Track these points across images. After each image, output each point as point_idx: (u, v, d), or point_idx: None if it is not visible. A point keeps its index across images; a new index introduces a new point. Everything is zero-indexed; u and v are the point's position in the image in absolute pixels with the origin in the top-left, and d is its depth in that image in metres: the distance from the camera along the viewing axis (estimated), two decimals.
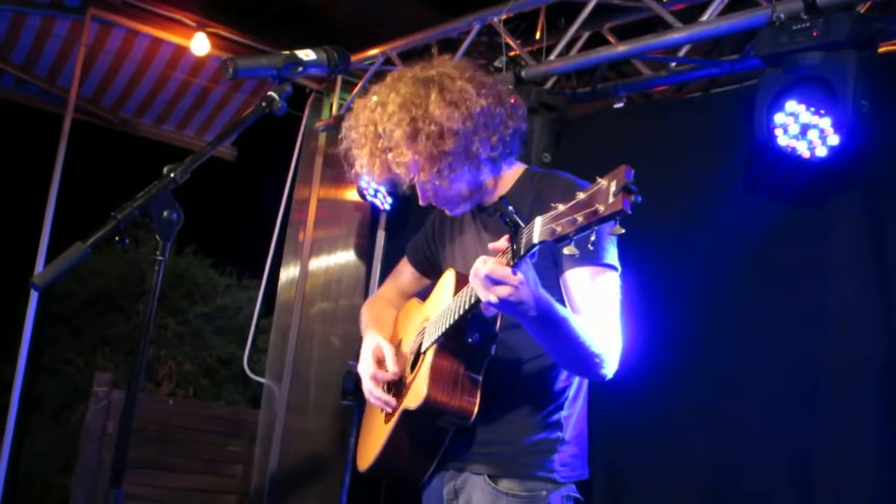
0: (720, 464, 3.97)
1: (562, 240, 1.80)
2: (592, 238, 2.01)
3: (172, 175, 1.72)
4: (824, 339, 3.72)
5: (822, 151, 3.63)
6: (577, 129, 4.88)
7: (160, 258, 1.70)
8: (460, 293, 2.30)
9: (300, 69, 2.04)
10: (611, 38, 4.90)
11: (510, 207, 1.96)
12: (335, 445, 6.06)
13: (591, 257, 2.34)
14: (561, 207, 1.82)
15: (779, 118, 3.68)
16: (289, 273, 6.37)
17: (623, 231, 1.68)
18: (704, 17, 4.20)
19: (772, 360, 3.91)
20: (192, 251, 8.69)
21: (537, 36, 5.18)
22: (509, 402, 2.47)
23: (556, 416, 2.49)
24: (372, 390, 2.63)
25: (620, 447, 4.26)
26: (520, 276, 1.99)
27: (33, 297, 5.58)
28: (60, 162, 5.94)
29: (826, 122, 3.57)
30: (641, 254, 4.43)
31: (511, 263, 1.97)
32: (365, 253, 6.42)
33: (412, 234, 3.10)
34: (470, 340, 2.34)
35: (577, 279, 2.38)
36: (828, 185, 3.80)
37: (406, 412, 2.49)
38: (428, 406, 2.35)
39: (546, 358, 2.44)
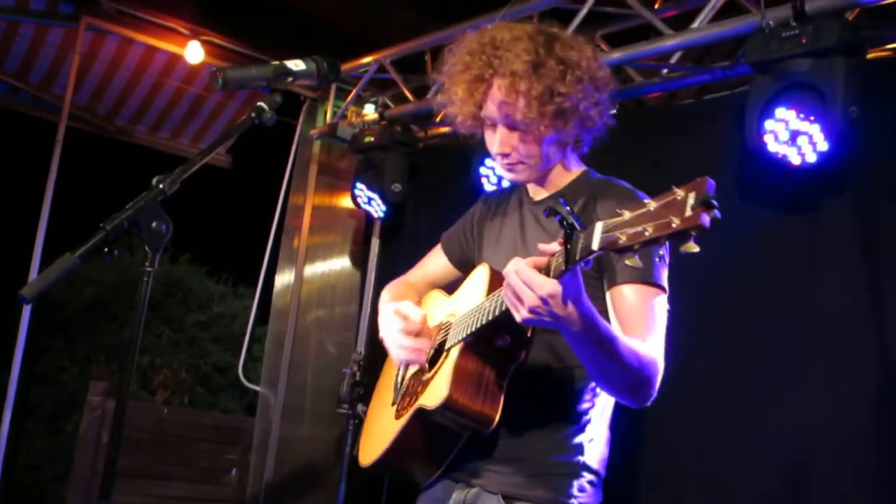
0: (714, 465, 3.98)
1: (625, 251, 1.65)
2: (659, 252, 1.85)
3: (161, 186, 1.72)
4: (816, 343, 3.74)
5: (811, 157, 3.65)
6: None
7: (149, 269, 1.69)
8: (496, 292, 2.11)
9: (290, 79, 2.04)
10: (603, 46, 4.91)
11: (567, 207, 1.79)
12: (331, 453, 6.06)
13: (646, 275, 2.20)
14: (627, 215, 1.65)
15: (769, 125, 3.70)
16: (284, 280, 6.38)
17: (697, 250, 1.53)
18: (695, 25, 4.22)
19: (763, 364, 3.92)
20: (187, 259, 8.69)
21: None
22: (532, 416, 2.29)
23: (578, 438, 2.31)
24: (399, 339, 2.40)
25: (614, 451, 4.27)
26: (559, 286, 1.82)
27: (26, 306, 5.58)
28: (55, 169, 5.95)
29: (816, 129, 3.59)
30: None
31: (563, 268, 1.79)
32: (360, 260, 6.43)
33: (406, 241, 3.09)
34: (500, 344, 2.19)
35: (628, 296, 2.20)
36: (818, 191, 3.82)
37: (421, 410, 2.30)
38: (447, 407, 2.17)
39: (575, 372, 2.29)
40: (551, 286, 1.80)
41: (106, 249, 1.65)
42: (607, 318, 2.14)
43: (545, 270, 1.84)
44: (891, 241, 3.66)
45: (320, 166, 6.47)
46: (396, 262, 5.35)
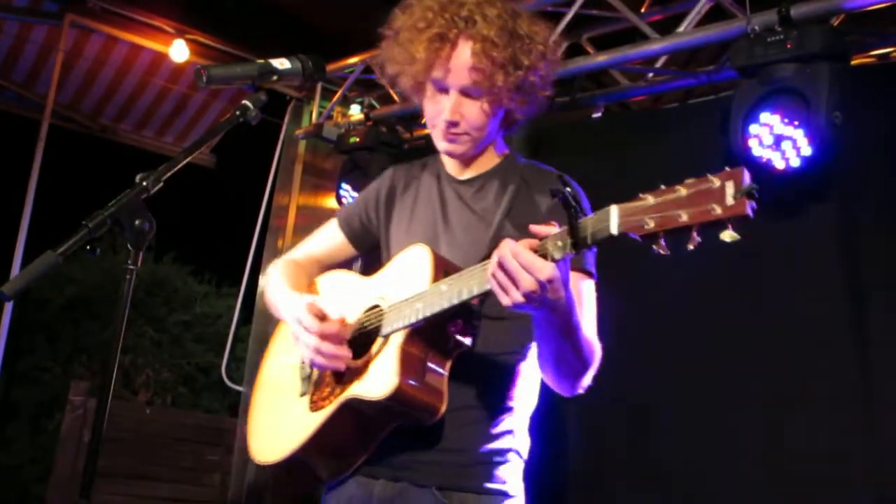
0: (693, 463, 3.99)
1: (651, 237, 1.59)
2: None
3: (144, 183, 1.71)
4: (797, 346, 3.76)
5: (795, 162, 3.67)
6: (555, 139, 4.90)
7: (132, 267, 1.68)
8: (456, 276, 2.00)
9: (275, 78, 2.03)
10: (589, 49, 4.93)
11: (568, 189, 1.70)
12: None
13: (580, 262, 2.16)
14: (651, 200, 1.60)
15: (753, 129, 3.72)
16: None
17: (739, 237, 1.51)
18: (681, 29, 4.24)
19: (744, 367, 3.93)
20: (171, 259, 8.66)
21: None
22: (465, 404, 2.17)
23: (510, 425, 2.23)
24: (319, 346, 2.15)
25: (598, 450, 4.29)
26: (558, 271, 1.76)
27: (7, 304, 5.54)
28: (37, 168, 5.91)
29: (800, 134, 3.61)
30: (617, 263, 4.47)
31: (571, 252, 1.73)
32: None
33: None
34: (452, 330, 2.07)
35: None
36: (801, 196, 3.84)
37: (355, 401, 2.11)
38: (395, 397, 2.01)
39: (506, 358, 2.22)
40: (551, 270, 1.74)
41: (88, 247, 1.64)
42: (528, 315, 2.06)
43: (539, 254, 1.77)
44: (874, 246, 3.68)
45: (305, 166, 6.45)
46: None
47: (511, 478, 2.21)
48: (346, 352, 2.16)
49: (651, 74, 4.75)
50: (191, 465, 6.73)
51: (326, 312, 2.22)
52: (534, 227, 1.81)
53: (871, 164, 3.71)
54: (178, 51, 5.89)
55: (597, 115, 5.10)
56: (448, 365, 2.10)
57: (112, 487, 6.19)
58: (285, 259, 2.60)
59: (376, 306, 2.23)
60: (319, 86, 6.24)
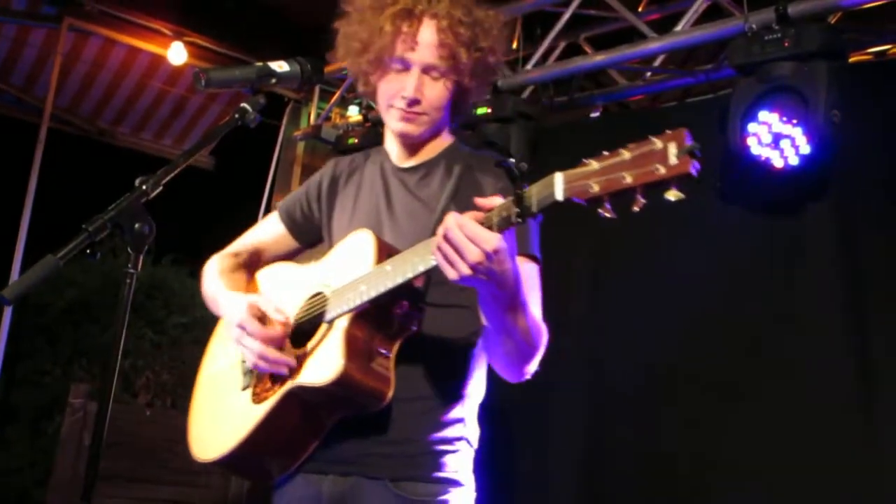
0: (697, 458, 4.00)
1: (596, 201, 1.60)
2: (525, 225, 1.85)
3: (144, 187, 1.71)
4: (798, 344, 3.76)
5: (794, 160, 3.67)
6: (554, 138, 4.90)
7: (132, 271, 1.68)
8: (396, 260, 1.99)
9: (273, 80, 2.03)
10: (587, 48, 4.94)
11: (512, 159, 1.73)
12: None
13: (526, 246, 2.14)
14: (595, 164, 1.61)
15: (752, 127, 3.73)
16: None
17: (683, 196, 1.53)
18: (679, 28, 4.24)
19: (746, 364, 3.94)
20: (169, 261, 8.65)
21: (514, 46, 5.21)
22: (416, 392, 2.14)
23: (461, 413, 2.20)
24: (262, 352, 2.11)
25: (602, 448, 4.30)
26: (504, 241, 1.76)
27: (7, 308, 5.54)
28: (36, 171, 5.91)
29: (798, 132, 3.61)
30: (618, 261, 4.49)
31: (518, 221, 1.73)
32: None
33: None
34: (397, 312, 2.05)
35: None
36: (800, 194, 3.84)
37: (300, 389, 2.07)
38: (341, 382, 1.97)
39: (457, 344, 2.19)
40: (497, 240, 1.74)
41: (88, 251, 1.64)
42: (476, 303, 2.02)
43: (485, 226, 1.77)
44: (872, 244, 3.68)
45: (304, 168, 6.46)
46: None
47: (461, 467, 2.20)
48: (290, 359, 2.11)
49: (649, 74, 4.76)
50: (192, 467, 6.71)
51: (268, 313, 2.18)
52: (478, 200, 1.81)
53: (870, 161, 3.72)
54: (176, 53, 5.89)
55: (595, 114, 5.11)
56: (395, 349, 2.08)
57: (112, 490, 6.18)
58: (224, 254, 2.55)
59: (319, 293, 2.20)
60: (318, 87, 6.25)
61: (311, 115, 6.37)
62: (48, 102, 6.14)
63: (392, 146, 2.38)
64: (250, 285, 2.46)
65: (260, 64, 2.05)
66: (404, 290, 2.00)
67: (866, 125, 3.70)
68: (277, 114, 6.47)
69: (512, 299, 1.88)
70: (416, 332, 2.10)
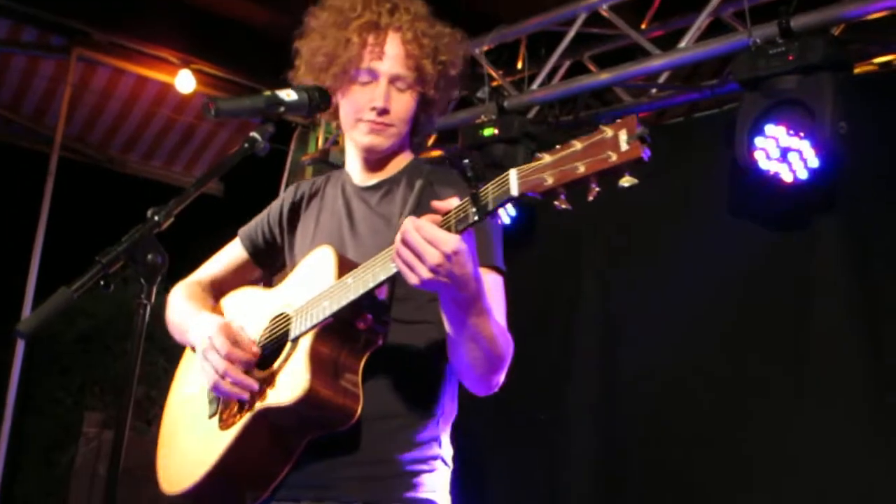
0: (707, 471, 4.01)
1: (551, 194, 1.60)
2: (487, 235, 1.90)
3: (156, 218, 1.72)
4: (808, 359, 3.75)
5: (802, 174, 3.68)
6: None
7: (145, 301, 1.69)
8: (358, 270, 1.96)
9: (282, 109, 2.04)
10: (591, 67, 4.95)
11: (466, 161, 1.72)
12: None
13: (488, 258, 2.11)
14: (548, 158, 1.61)
15: (759, 142, 3.73)
16: None
17: (637, 181, 1.56)
18: (682, 44, 4.26)
19: (759, 378, 3.93)
20: None
21: (519, 66, 5.23)
22: (387, 410, 2.10)
23: (434, 430, 2.16)
24: (226, 369, 2.05)
25: (619, 456, 4.30)
26: (463, 243, 1.74)
27: (21, 340, 5.55)
28: (48, 200, 5.95)
29: (805, 145, 3.62)
30: (628, 277, 4.49)
31: (476, 220, 1.71)
32: None
33: None
34: (361, 326, 2.01)
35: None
36: (809, 207, 3.84)
37: (267, 411, 2.02)
38: (307, 400, 1.92)
39: (430, 359, 2.15)
40: (456, 242, 1.72)
41: (102, 283, 1.65)
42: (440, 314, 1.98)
43: (443, 227, 1.75)
44: (883, 256, 3.68)
45: None
46: None
47: (438, 487, 2.16)
48: (252, 382, 2.07)
49: (654, 90, 4.77)
50: None
51: (239, 339, 2.14)
52: (435, 203, 1.79)
53: (879, 172, 3.72)
54: (184, 81, 5.93)
55: None
56: (361, 364, 2.04)
57: None
58: (187, 282, 2.52)
59: (282, 314, 2.17)
60: None
61: (319, 139, 6.40)
62: (58, 132, 6.18)
63: (354, 166, 2.38)
64: (215, 312, 2.39)
65: (268, 93, 2.06)
66: (367, 303, 1.98)
67: (873, 136, 3.70)
68: (285, 138, 6.50)
69: (475, 303, 1.85)
70: (381, 346, 2.06)
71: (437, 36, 2.25)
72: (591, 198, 1.60)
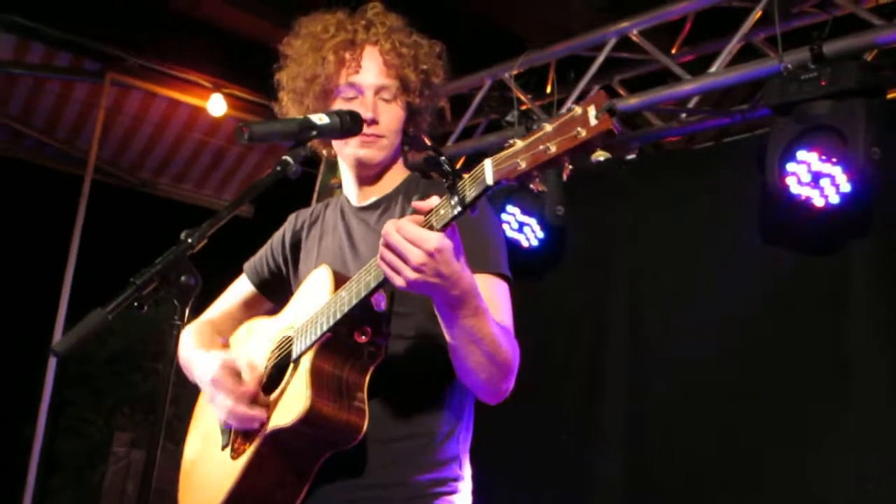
0: (738, 496, 3.98)
1: (526, 177, 1.60)
2: (489, 241, 1.88)
3: (189, 240, 1.74)
4: (842, 386, 3.71)
5: (835, 199, 3.65)
6: (590, 182, 4.91)
7: (178, 323, 1.70)
8: (349, 284, 1.95)
9: (314, 133, 2.05)
10: (621, 91, 4.95)
11: (442, 157, 1.73)
12: None
13: (490, 264, 2.07)
14: (520, 143, 1.61)
15: (791, 167, 3.71)
16: None
17: (609, 155, 1.58)
18: (713, 69, 4.25)
19: (791, 402, 3.89)
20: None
21: (548, 90, 5.24)
22: (402, 430, 2.06)
23: (453, 449, 2.11)
24: (233, 408, 2.08)
25: (646, 479, 4.26)
26: (446, 239, 1.70)
27: (53, 358, 5.61)
28: (80, 222, 6.02)
29: (838, 171, 3.59)
30: (657, 300, 4.46)
31: (456, 213, 1.68)
32: None
33: None
34: (360, 339, 1.98)
35: (480, 286, 1.95)
36: (842, 233, 3.81)
37: (273, 434, 2.00)
38: (309, 419, 1.90)
39: (444, 373, 2.03)
40: (438, 239, 1.69)
41: (136, 304, 1.67)
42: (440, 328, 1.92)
43: (426, 226, 1.72)
44: None
45: None
46: None
47: None
48: (259, 413, 2.07)
49: (684, 115, 4.76)
50: None
51: (241, 370, 2.15)
52: (416, 203, 1.77)
53: None
54: (216, 105, 6.00)
55: (631, 156, 5.11)
56: (366, 380, 2.00)
57: None
58: (199, 321, 2.53)
59: (286, 336, 2.18)
60: None
61: None
62: (91, 155, 6.28)
63: (350, 187, 2.37)
64: (225, 348, 2.40)
65: (301, 117, 2.08)
66: (364, 315, 1.96)
67: None
68: (314, 162, 6.54)
69: (468, 302, 1.79)
70: (386, 360, 2.03)
71: (415, 45, 2.26)
72: (565, 176, 1.63)
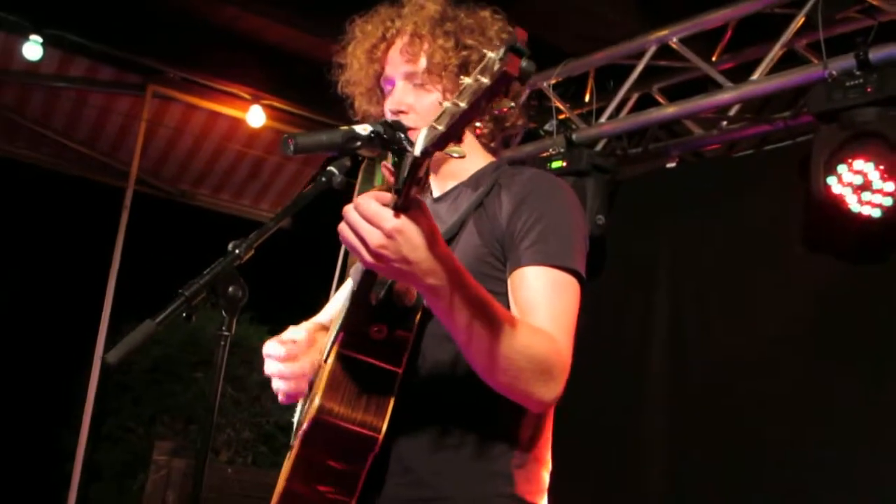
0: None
1: (443, 141, 1.37)
2: (549, 229, 1.72)
3: (237, 251, 1.75)
4: (891, 394, 3.65)
5: (881, 207, 3.59)
6: (630, 190, 4.88)
7: (226, 333, 1.71)
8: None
9: (358, 143, 2.05)
10: (661, 99, 4.91)
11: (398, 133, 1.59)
12: None
13: (555, 256, 1.85)
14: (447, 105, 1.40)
15: (836, 174, 3.66)
16: None
17: (513, 105, 1.40)
18: (755, 76, 4.20)
19: (837, 413, 3.83)
20: (247, 319, 8.79)
21: (587, 99, 5.22)
22: (442, 440, 1.88)
23: (504, 465, 1.88)
24: (278, 370, 2.03)
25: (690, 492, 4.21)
26: (402, 219, 1.48)
27: (95, 367, 5.68)
28: (122, 233, 6.11)
29: (885, 178, 3.54)
30: (699, 309, 4.42)
31: (398, 203, 1.48)
32: None
33: None
34: (377, 336, 1.78)
35: (531, 279, 1.83)
36: (888, 241, 3.75)
37: (303, 436, 1.84)
38: (319, 421, 1.76)
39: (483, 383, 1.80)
40: (393, 218, 1.48)
41: (184, 315, 1.68)
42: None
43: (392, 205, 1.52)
44: None
45: None
46: None
47: None
48: (305, 367, 2.00)
49: (725, 122, 4.71)
50: None
51: (292, 338, 2.08)
52: (385, 165, 1.66)
53: None
54: (255, 116, 6.06)
55: (671, 164, 5.07)
56: (391, 382, 1.81)
57: None
58: (310, 320, 2.44)
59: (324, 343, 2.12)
60: None
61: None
62: (133, 166, 6.36)
63: (431, 179, 2.20)
64: (310, 346, 2.29)
65: (345, 128, 2.07)
66: (378, 310, 1.77)
67: None
68: (352, 171, 6.57)
69: (455, 294, 1.59)
70: (409, 358, 1.84)
71: (453, 23, 2.08)
72: (477, 133, 1.47)
